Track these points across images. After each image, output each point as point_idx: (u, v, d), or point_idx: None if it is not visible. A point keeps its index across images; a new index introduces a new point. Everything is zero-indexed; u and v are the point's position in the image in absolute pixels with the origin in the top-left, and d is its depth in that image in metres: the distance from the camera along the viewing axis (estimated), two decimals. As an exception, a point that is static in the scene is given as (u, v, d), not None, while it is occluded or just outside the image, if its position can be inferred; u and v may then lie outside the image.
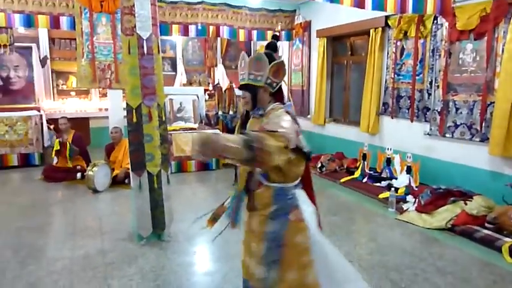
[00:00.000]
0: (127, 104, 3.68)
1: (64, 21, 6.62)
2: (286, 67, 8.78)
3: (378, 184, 5.62)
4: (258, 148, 1.58)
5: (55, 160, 6.22)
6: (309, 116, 8.02)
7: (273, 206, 1.90)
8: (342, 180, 5.96)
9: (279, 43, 8.48)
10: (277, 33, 2.02)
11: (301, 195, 1.97)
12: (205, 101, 8.54)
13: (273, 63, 1.94)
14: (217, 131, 7.02)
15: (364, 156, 6.09)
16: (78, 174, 6.10)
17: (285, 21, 8.22)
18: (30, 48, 7.59)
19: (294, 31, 8.31)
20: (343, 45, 7.35)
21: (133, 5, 3.56)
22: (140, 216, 3.77)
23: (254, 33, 8.05)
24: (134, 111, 3.65)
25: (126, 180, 5.68)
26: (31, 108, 7.25)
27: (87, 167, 5.83)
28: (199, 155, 1.51)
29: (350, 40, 7.07)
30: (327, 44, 7.34)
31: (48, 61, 8.43)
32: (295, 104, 8.52)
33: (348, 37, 7.06)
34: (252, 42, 9.83)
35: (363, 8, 4.33)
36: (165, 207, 3.80)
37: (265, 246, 1.90)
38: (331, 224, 4.31)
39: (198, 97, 7.85)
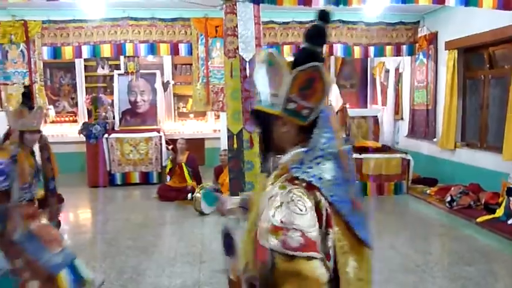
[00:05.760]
0: (228, 129, 3.52)
1: (182, 47, 6.99)
2: (408, 84, 7.92)
3: (529, 228, 4.48)
4: None
5: (168, 179, 6.46)
6: (434, 140, 7.01)
7: None
8: (479, 219, 4.90)
9: (398, 59, 7.46)
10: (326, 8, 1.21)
11: None
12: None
13: (296, 72, 1.13)
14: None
15: (510, 191, 4.95)
16: (189, 195, 6.22)
17: (406, 34, 7.44)
18: (155, 74, 8.21)
19: (417, 45, 7.45)
20: (479, 57, 6.26)
21: (237, 26, 3.42)
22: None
23: (371, 49, 7.43)
24: (235, 136, 3.48)
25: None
26: (153, 130, 7.78)
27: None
28: None
29: (488, 51, 5.98)
30: (458, 57, 6.35)
31: (171, 85, 9.05)
32: (418, 125, 7.58)
33: (486, 47, 5.99)
34: (368, 59, 9.18)
35: (510, 9, 3.50)
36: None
37: None
38: (463, 277, 3.48)
39: (308, 118, 7.51)
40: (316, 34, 1.16)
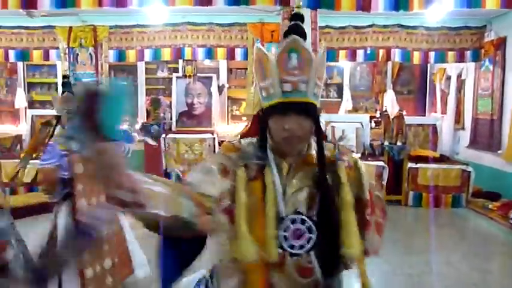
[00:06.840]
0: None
1: (238, 52, 7.16)
2: (471, 92, 7.51)
3: None
4: None
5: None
6: (499, 152, 6.57)
7: None
8: (547, 239, 4.56)
9: (461, 65, 7.20)
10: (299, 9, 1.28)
11: None
12: (371, 129, 7.95)
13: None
14: (382, 163, 6.40)
15: None
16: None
17: (471, 39, 7.05)
18: (211, 77, 8.45)
19: (482, 50, 7.04)
20: (553, 65, 5.82)
21: (293, 31, 3.45)
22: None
23: (431, 55, 7.14)
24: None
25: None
26: (207, 131, 8.02)
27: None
28: None
29: None
30: (529, 64, 5.94)
31: (225, 89, 9.27)
32: (481, 136, 7.15)
33: (562, 54, 5.55)
34: (428, 65, 8.81)
35: None
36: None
37: None
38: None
39: (362, 125, 7.35)
40: (299, 32, 1.19)
